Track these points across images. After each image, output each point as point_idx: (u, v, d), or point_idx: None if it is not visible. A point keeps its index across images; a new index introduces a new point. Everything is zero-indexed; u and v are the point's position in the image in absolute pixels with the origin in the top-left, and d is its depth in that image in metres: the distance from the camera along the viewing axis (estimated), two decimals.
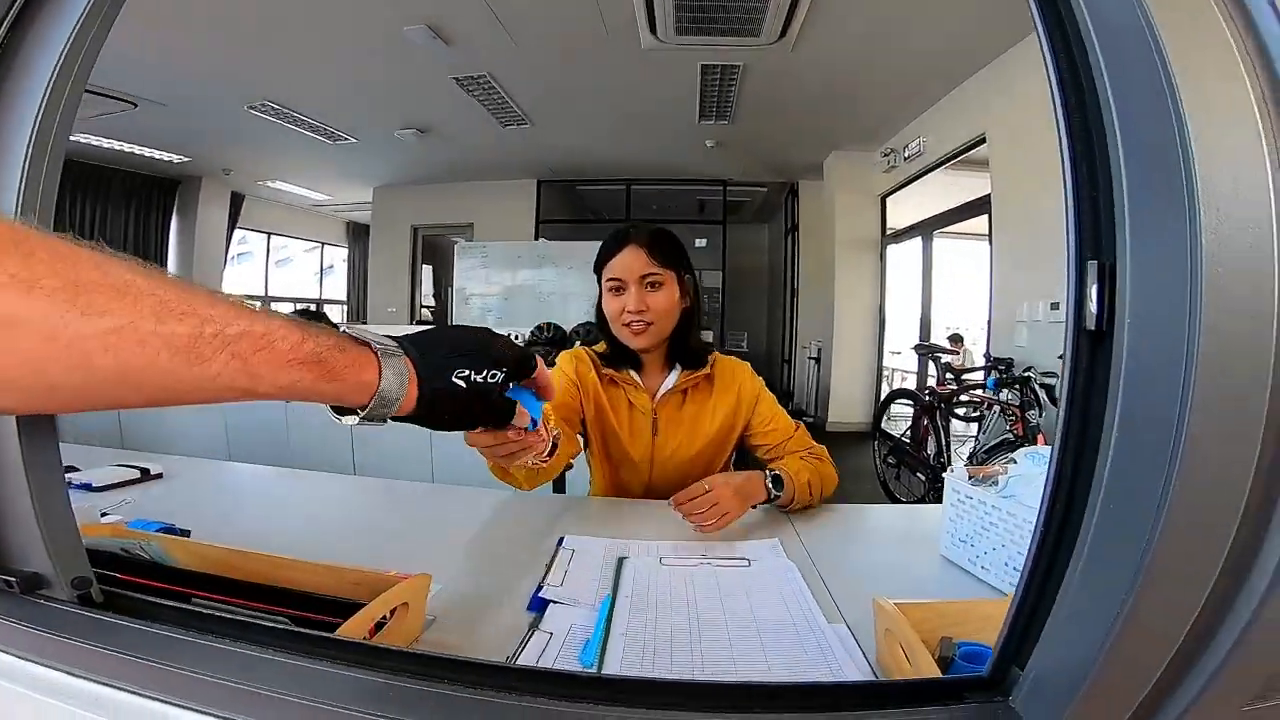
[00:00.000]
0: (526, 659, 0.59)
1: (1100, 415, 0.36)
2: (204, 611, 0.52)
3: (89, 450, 1.55)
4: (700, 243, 9.02)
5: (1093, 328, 0.37)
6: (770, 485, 1.04)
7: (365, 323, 5.10)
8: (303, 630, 0.50)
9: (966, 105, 4.02)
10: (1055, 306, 3.10)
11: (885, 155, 5.25)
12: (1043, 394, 2.46)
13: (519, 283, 6.43)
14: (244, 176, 6.79)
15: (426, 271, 7.75)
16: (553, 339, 3.96)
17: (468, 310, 6.35)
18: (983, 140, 3.85)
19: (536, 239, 6.80)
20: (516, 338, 4.02)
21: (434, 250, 7.65)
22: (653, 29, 3.38)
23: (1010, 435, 2.60)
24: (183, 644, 0.46)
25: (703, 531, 0.94)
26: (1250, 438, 0.30)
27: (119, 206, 6.28)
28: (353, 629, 0.52)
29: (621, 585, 0.74)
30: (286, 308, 7.02)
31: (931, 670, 0.50)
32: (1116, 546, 0.34)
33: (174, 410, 4.27)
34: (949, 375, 3.55)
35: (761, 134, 5.26)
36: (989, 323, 3.81)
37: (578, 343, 1.27)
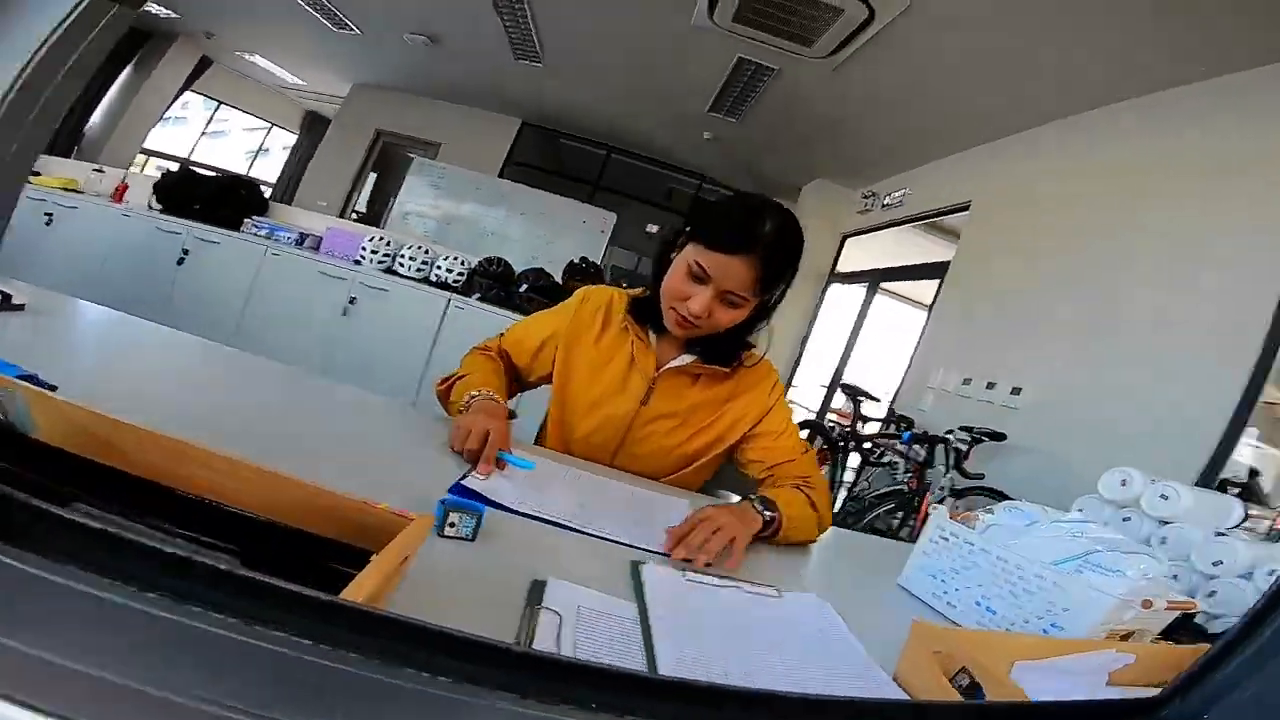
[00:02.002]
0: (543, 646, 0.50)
1: None
2: (105, 529, 0.31)
3: None
4: (652, 228, 9.04)
5: None
6: (761, 511, 0.92)
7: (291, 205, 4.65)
8: (295, 588, 0.32)
9: (958, 172, 4.17)
10: (967, 382, 3.32)
11: (865, 197, 5.36)
12: (953, 456, 2.62)
13: (464, 214, 6.10)
14: (224, 44, 6.08)
15: (372, 179, 7.17)
16: (500, 274, 3.77)
17: (404, 225, 5.94)
18: (966, 207, 3.99)
19: (501, 177, 6.48)
20: (460, 261, 3.80)
21: (386, 159, 7.09)
22: (711, 10, 3.23)
23: (904, 487, 2.76)
24: (76, 597, 0.28)
25: (709, 565, 0.79)
26: None
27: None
28: (369, 587, 0.38)
29: (649, 597, 0.65)
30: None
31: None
32: None
33: (50, 237, 3.76)
34: (854, 420, 3.75)
35: (759, 142, 5.24)
36: (901, 380, 4.04)
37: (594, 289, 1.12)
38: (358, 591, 0.37)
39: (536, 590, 0.60)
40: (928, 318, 4.01)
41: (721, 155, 5.89)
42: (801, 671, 0.58)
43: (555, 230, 5.96)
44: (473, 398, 0.99)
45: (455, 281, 3.76)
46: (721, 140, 5.44)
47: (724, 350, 1.09)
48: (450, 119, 6.56)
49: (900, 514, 2.64)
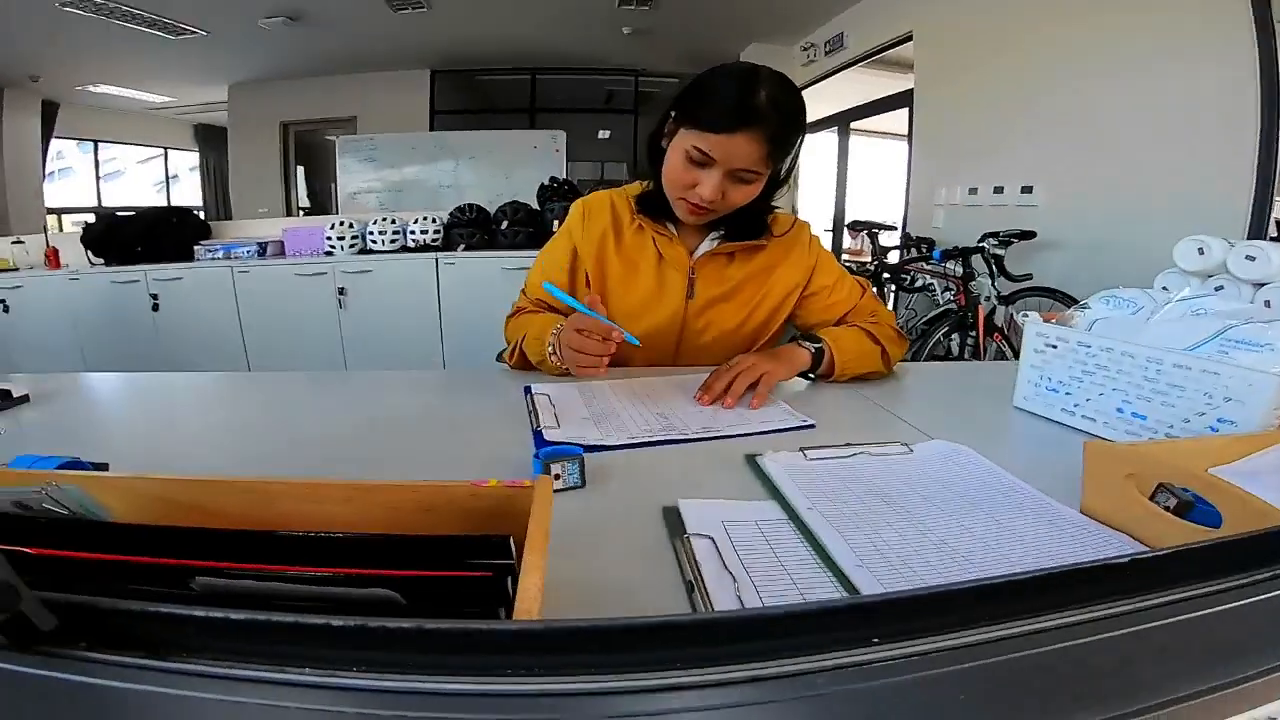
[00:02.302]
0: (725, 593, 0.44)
1: None
2: (242, 617, 0.25)
3: None
4: (604, 134, 8.60)
5: None
6: (806, 345, 0.96)
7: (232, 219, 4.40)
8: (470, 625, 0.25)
9: (892, 3, 3.95)
10: (974, 191, 3.23)
11: (805, 49, 5.18)
12: (993, 265, 2.54)
13: (413, 177, 5.78)
14: (57, 83, 5.46)
15: (300, 172, 6.75)
16: (475, 219, 3.61)
17: (356, 204, 5.65)
18: (908, 38, 3.81)
19: (431, 130, 6.08)
20: (431, 219, 3.62)
21: (307, 149, 6.64)
22: None
23: (953, 306, 2.70)
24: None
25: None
26: None
27: None
28: (536, 579, 0.32)
29: (784, 489, 0.59)
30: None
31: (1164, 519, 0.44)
32: None
33: (13, 324, 3.59)
34: (875, 254, 3.67)
35: (682, 22, 4.90)
36: (906, 206, 3.97)
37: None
38: (531, 595, 0.31)
39: (672, 517, 0.55)
40: (910, 144, 3.90)
41: (648, 45, 5.53)
42: (993, 524, 0.53)
43: (509, 164, 5.67)
44: (554, 333, 0.94)
45: (434, 241, 3.61)
46: (643, 31, 5.10)
47: (749, 224, 1.03)
48: (354, 90, 6.09)
49: (956, 335, 2.58)
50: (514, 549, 0.41)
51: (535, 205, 3.75)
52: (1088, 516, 0.53)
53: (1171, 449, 0.56)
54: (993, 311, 2.52)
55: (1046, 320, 0.87)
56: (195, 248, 3.67)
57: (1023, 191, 2.88)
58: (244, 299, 3.58)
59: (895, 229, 3.83)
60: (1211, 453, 0.54)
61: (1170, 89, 2.24)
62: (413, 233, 3.62)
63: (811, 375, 0.99)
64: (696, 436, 0.76)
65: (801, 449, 0.68)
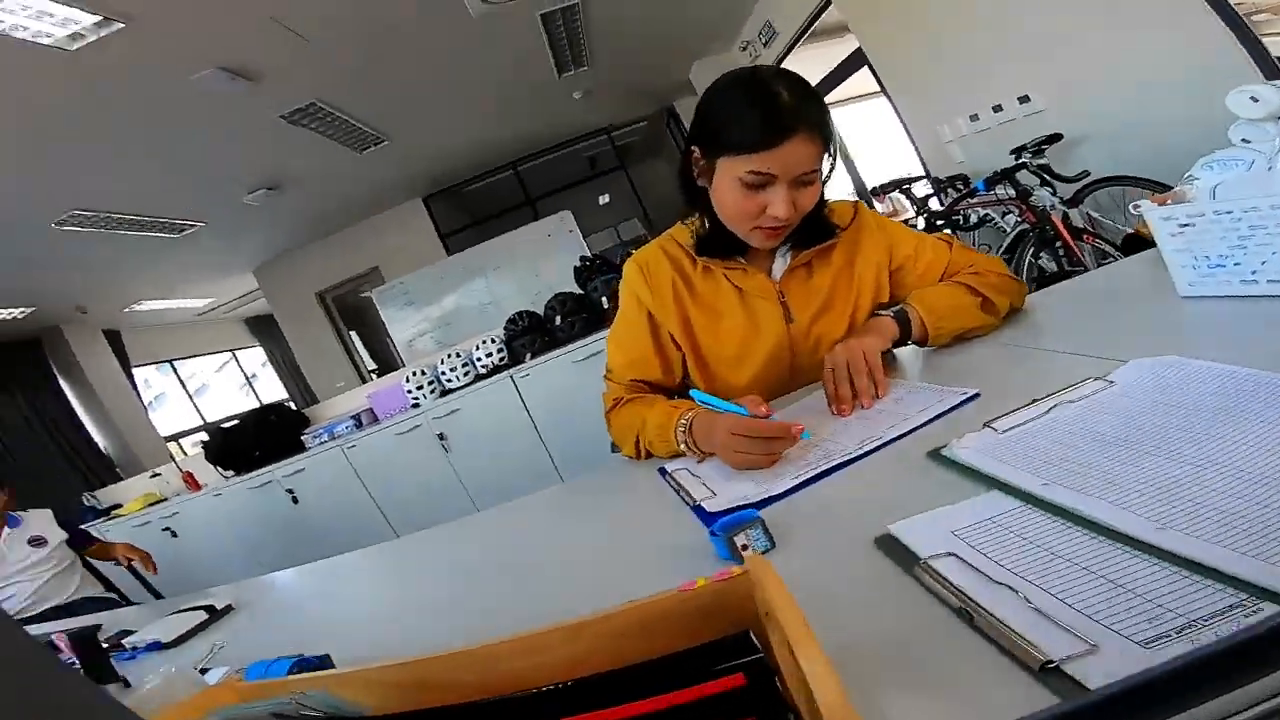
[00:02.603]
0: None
1: None
2: None
3: (117, 615, 1.28)
4: (604, 199, 8.82)
5: None
6: (884, 315, 0.93)
7: (319, 403, 4.71)
8: None
9: None
10: (975, 118, 3.17)
11: (743, 49, 5.27)
12: (1045, 174, 2.40)
13: (453, 306, 6.05)
14: (103, 309, 5.96)
15: (354, 337, 7.23)
16: (530, 325, 3.71)
17: (415, 350, 5.95)
18: (828, 3, 3.87)
19: (450, 254, 6.41)
20: (490, 340, 3.75)
21: (351, 312, 7.13)
22: None
23: (1025, 225, 2.54)
24: None
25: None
26: None
27: None
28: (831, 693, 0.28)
29: (999, 474, 0.52)
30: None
31: None
32: None
33: (184, 546, 3.96)
34: (918, 205, 3.55)
35: (623, 68, 5.05)
36: (919, 154, 3.87)
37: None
38: (832, 685, 0.27)
39: (891, 547, 0.50)
40: (889, 97, 3.85)
41: (603, 101, 5.72)
42: (1269, 439, 0.45)
43: (534, 261, 5.85)
44: (683, 427, 0.87)
45: (501, 361, 3.71)
46: (592, 90, 5.28)
47: (816, 226, 0.98)
48: (365, 239, 6.51)
49: (1045, 252, 2.43)
50: (755, 643, 0.38)
51: (578, 289, 3.83)
52: None
53: None
54: (1065, 217, 2.36)
55: (1160, 203, 0.79)
56: (303, 437, 3.92)
57: (1021, 102, 2.82)
58: (363, 471, 3.76)
59: (922, 178, 3.70)
60: None
61: None
62: (479, 359, 3.73)
63: (911, 343, 0.94)
64: (861, 452, 0.70)
65: (985, 425, 0.62)
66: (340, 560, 1.16)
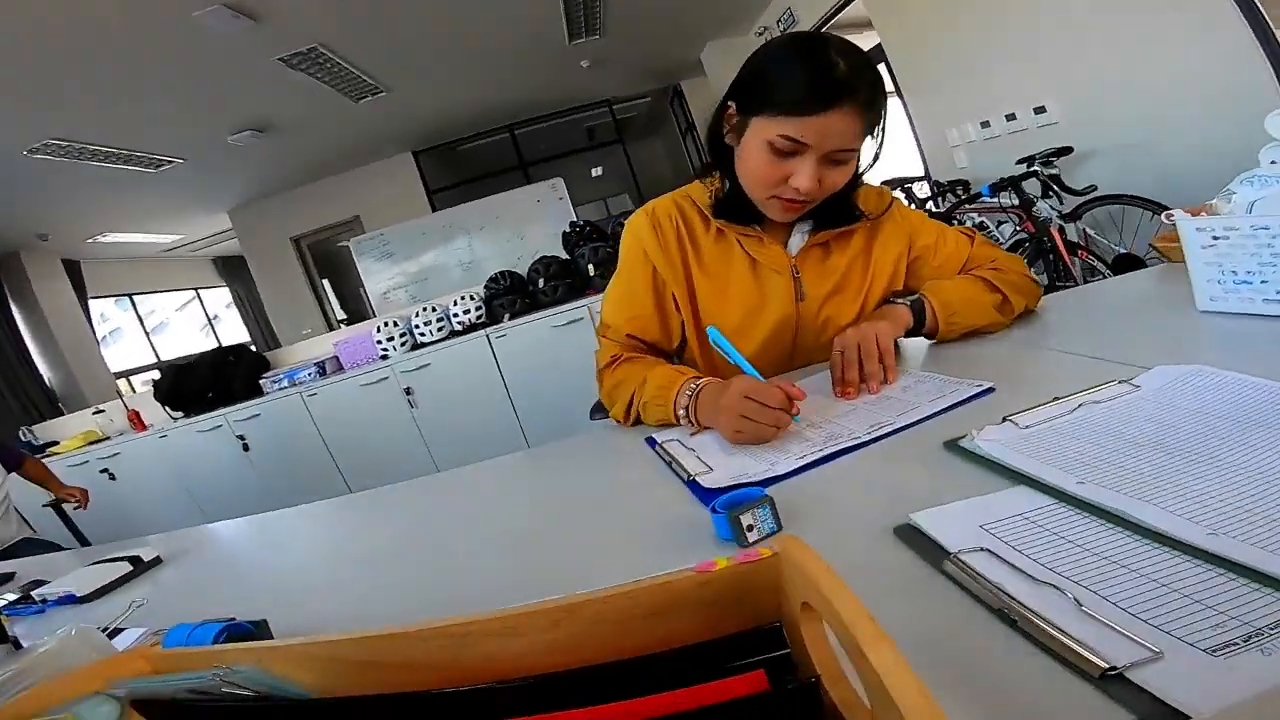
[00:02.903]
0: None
1: None
2: None
3: (42, 561, 1.18)
4: (596, 171, 8.69)
5: None
6: (900, 302, 0.90)
7: (282, 347, 4.56)
8: None
9: None
10: (986, 125, 3.15)
11: (759, 35, 5.16)
12: (1051, 186, 2.41)
13: (432, 262, 5.89)
14: (67, 238, 5.68)
15: (327, 284, 7.00)
16: (512, 286, 3.63)
17: (389, 303, 5.79)
18: None
19: (434, 211, 6.23)
20: (469, 298, 3.65)
21: (326, 259, 6.90)
22: None
23: (1023, 234, 2.56)
24: None
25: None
26: None
27: None
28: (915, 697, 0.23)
29: (1029, 470, 0.50)
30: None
31: None
32: None
33: (122, 490, 3.78)
34: (920, 207, 3.55)
35: (635, 41, 4.95)
36: (922, 156, 3.87)
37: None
38: (917, 691, 0.23)
39: (912, 537, 0.47)
40: (901, 97, 3.81)
41: (610, 73, 5.62)
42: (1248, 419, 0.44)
43: (519, 224, 5.74)
44: (690, 393, 0.82)
45: (479, 319, 3.63)
46: (601, 61, 5.18)
47: (842, 207, 0.94)
48: (348, 189, 6.32)
49: (1040, 262, 2.44)
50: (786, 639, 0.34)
51: (564, 255, 3.75)
52: None
53: None
54: (1062, 230, 2.38)
55: (1194, 214, 0.77)
56: (261, 381, 3.78)
57: (1036, 112, 2.80)
58: (321, 421, 3.65)
59: (923, 179, 3.71)
60: None
61: None
62: (455, 315, 3.65)
63: (921, 335, 0.92)
64: (871, 437, 0.68)
65: (1006, 418, 0.59)
66: (289, 514, 1.09)
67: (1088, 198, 2.38)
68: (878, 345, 0.81)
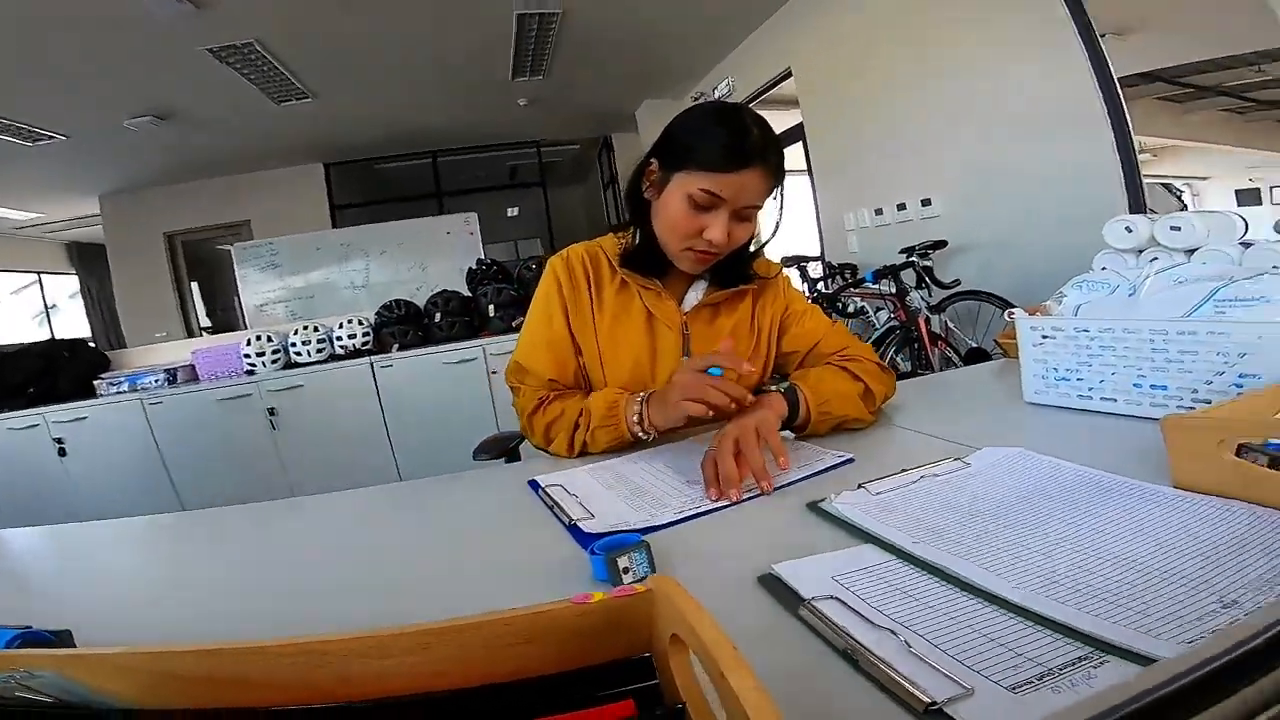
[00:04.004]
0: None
1: None
2: None
3: None
4: (512, 211, 8.68)
5: None
6: (775, 389, 0.87)
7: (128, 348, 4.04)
8: None
9: (772, 43, 4.23)
10: (880, 212, 3.44)
11: (695, 99, 5.41)
12: (925, 277, 2.69)
13: (322, 280, 5.55)
14: None
15: (194, 289, 6.35)
16: (406, 315, 3.47)
17: (265, 317, 5.34)
18: (788, 74, 4.09)
19: (335, 227, 5.92)
20: (358, 322, 3.46)
21: (200, 262, 6.29)
22: None
23: (895, 322, 2.82)
24: None
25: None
26: None
27: None
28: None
29: (874, 530, 0.56)
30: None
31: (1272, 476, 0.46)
32: None
33: None
34: (808, 285, 3.82)
35: (575, 87, 5.06)
36: (821, 236, 4.13)
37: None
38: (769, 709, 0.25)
39: (774, 585, 0.50)
40: (811, 177, 4.11)
41: (545, 114, 5.69)
42: (1104, 515, 0.52)
43: (424, 254, 5.57)
44: (644, 399, 0.89)
45: (364, 345, 3.43)
46: (538, 101, 5.25)
47: (738, 267, 1.02)
48: (243, 192, 5.89)
49: (905, 350, 2.68)
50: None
51: (466, 292, 3.67)
52: (1183, 490, 0.54)
53: (1236, 411, 0.58)
54: (928, 322, 2.66)
55: (1031, 313, 0.91)
56: (96, 382, 3.33)
57: (923, 205, 3.09)
58: (162, 433, 3.26)
59: (817, 260, 4.01)
60: (1266, 406, 0.56)
61: (1023, 89, 2.48)
62: (339, 338, 3.44)
63: (791, 430, 0.89)
64: (745, 497, 0.72)
65: (860, 485, 0.66)
66: (109, 525, 0.97)
67: (952, 292, 2.67)
68: (760, 434, 0.76)
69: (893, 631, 0.40)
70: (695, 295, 1.03)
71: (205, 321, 6.43)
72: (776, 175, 0.90)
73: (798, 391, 0.87)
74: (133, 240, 5.83)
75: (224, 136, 4.80)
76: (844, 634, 0.41)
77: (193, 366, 3.49)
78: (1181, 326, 0.71)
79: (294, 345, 3.39)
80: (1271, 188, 2.03)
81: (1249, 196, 2.06)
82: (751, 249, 1.03)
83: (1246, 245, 1.00)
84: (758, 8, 3.98)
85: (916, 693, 0.34)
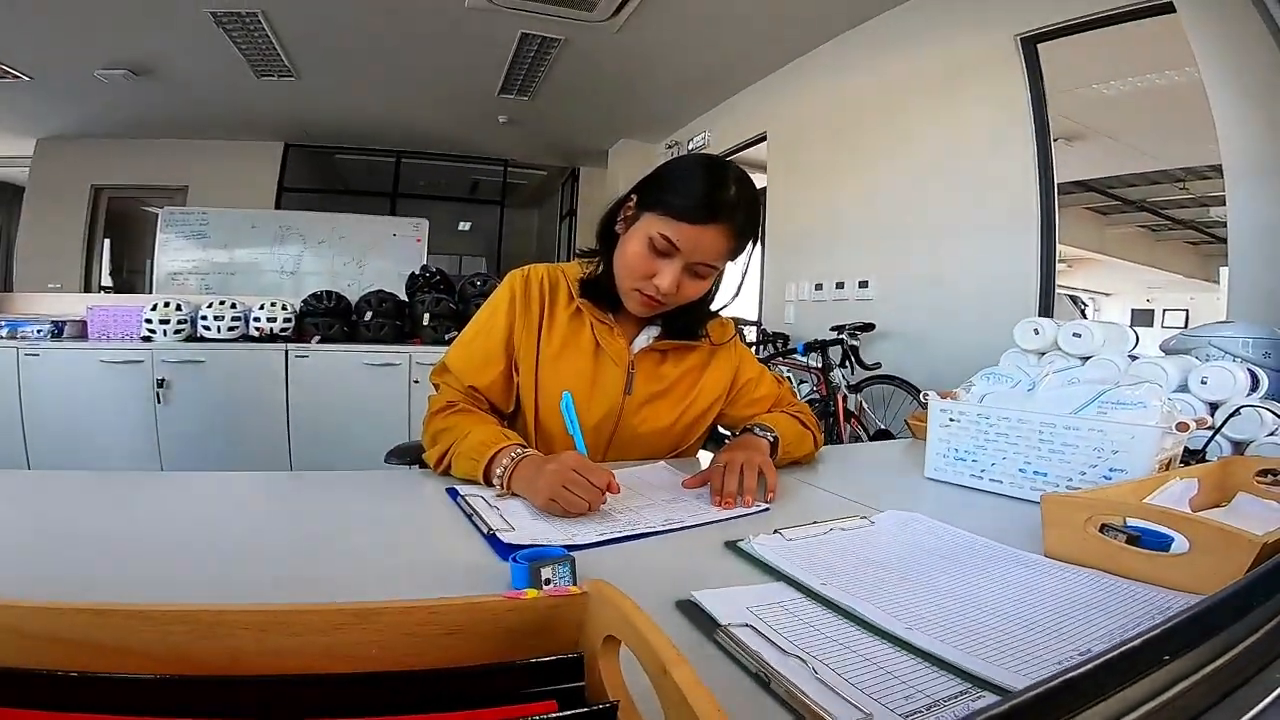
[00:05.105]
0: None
1: None
2: None
3: None
4: (464, 225, 8.59)
5: None
6: (763, 434, 0.97)
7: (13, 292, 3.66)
8: None
9: (754, 105, 4.43)
10: (820, 287, 3.63)
11: (670, 147, 5.55)
12: (851, 356, 2.85)
13: (248, 259, 5.26)
14: None
15: (106, 245, 5.86)
16: (335, 309, 3.33)
17: (175, 286, 4.97)
18: (763, 138, 4.28)
19: (277, 209, 5.65)
20: (281, 306, 3.28)
21: (121, 219, 5.84)
22: None
23: (816, 395, 2.96)
24: None
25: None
26: None
27: None
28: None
29: (787, 570, 0.59)
30: None
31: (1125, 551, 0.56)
32: None
33: None
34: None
35: (558, 114, 5.13)
36: (760, 303, 4.29)
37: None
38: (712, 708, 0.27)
39: (692, 611, 0.52)
40: (762, 244, 4.25)
41: (521, 135, 5.72)
42: (985, 575, 0.59)
43: (364, 251, 5.40)
44: (512, 457, 0.82)
45: (283, 331, 3.25)
46: (518, 121, 5.28)
47: (689, 322, 1.05)
48: (189, 157, 5.57)
49: (821, 423, 2.79)
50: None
51: (402, 296, 3.57)
52: (1053, 559, 0.62)
53: (1103, 496, 0.66)
54: (845, 399, 2.81)
55: (943, 397, 0.99)
56: None
57: (860, 286, 3.28)
58: (31, 387, 2.95)
59: (754, 325, 4.16)
60: (1128, 494, 0.65)
61: (973, 187, 2.71)
62: (257, 320, 3.25)
63: None
64: (666, 529, 0.74)
65: (777, 530, 0.70)
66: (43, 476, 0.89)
67: (872, 374, 2.85)
68: (764, 473, 0.85)
69: (802, 659, 0.43)
70: (646, 338, 1.04)
71: (107, 281, 5.93)
72: (740, 238, 0.90)
73: (777, 436, 0.97)
74: (56, 187, 5.41)
75: (190, 101, 4.61)
76: (757, 659, 0.43)
77: (84, 323, 3.20)
78: (1068, 421, 0.80)
79: (204, 319, 3.17)
80: (1164, 310, 2.32)
81: (1143, 317, 2.33)
82: (711, 307, 1.06)
83: (1134, 358, 1.14)
84: (747, 70, 4.18)
85: (825, 715, 0.37)
